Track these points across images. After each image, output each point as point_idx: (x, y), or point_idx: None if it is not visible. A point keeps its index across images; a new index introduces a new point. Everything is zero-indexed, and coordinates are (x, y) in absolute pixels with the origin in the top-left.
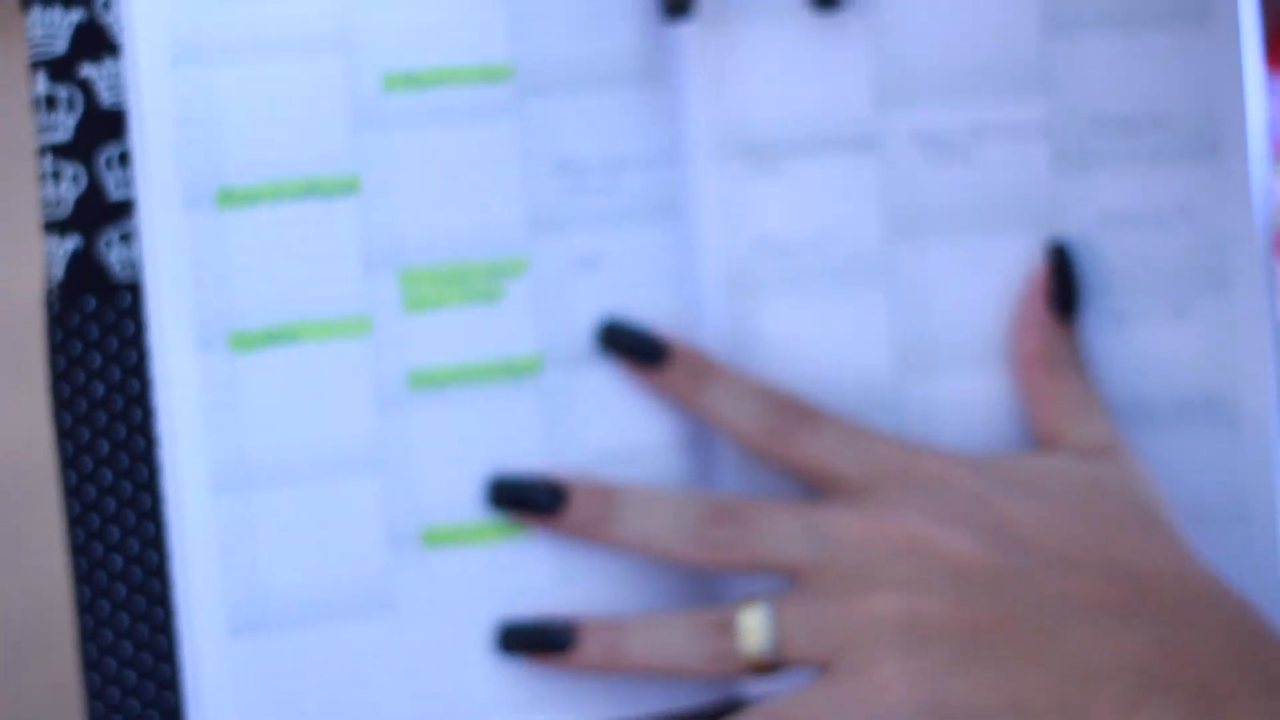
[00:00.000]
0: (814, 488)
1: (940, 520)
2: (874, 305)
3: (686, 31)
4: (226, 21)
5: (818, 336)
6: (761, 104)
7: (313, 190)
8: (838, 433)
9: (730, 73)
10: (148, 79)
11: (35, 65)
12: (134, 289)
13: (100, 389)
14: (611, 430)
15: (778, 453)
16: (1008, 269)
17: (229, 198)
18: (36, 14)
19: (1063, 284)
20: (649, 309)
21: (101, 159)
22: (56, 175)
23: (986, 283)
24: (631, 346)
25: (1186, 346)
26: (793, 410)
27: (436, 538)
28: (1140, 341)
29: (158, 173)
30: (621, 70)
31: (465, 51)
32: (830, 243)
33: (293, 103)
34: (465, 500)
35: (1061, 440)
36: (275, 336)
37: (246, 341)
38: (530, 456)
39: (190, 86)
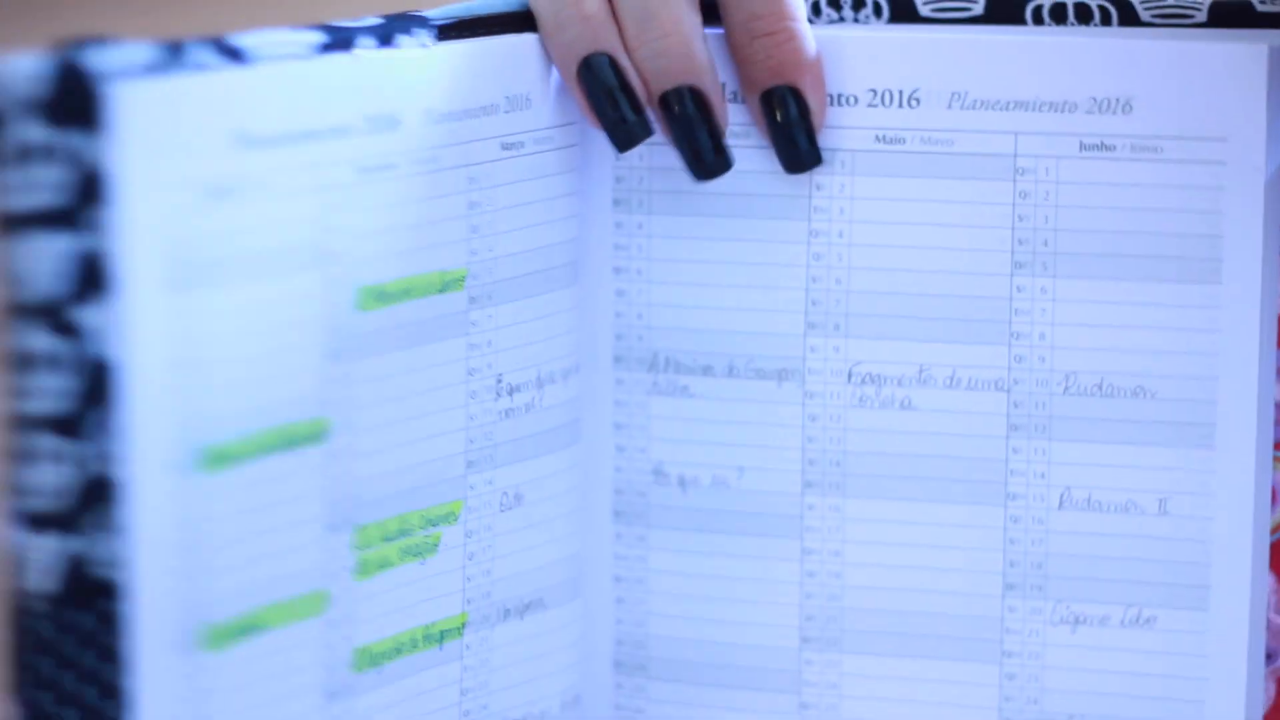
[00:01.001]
0: None
1: None
2: (782, 562)
3: (596, 219)
4: (215, 232)
5: (713, 590)
6: (672, 312)
7: (284, 441)
8: None
9: (640, 273)
10: (141, 307)
11: (22, 311)
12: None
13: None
14: (512, 696)
15: None
16: (942, 541)
17: (211, 459)
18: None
19: None
20: (561, 549)
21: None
22: (58, 456)
23: (914, 555)
24: None
25: (1146, 666)
26: None
27: None
28: (1093, 653)
29: (145, 429)
30: (559, 267)
31: (428, 257)
32: (738, 483)
33: (271, 331)
34: None
35: None
36: (244, 628)
37: (218, 638)
38: None
39: (180, 319)
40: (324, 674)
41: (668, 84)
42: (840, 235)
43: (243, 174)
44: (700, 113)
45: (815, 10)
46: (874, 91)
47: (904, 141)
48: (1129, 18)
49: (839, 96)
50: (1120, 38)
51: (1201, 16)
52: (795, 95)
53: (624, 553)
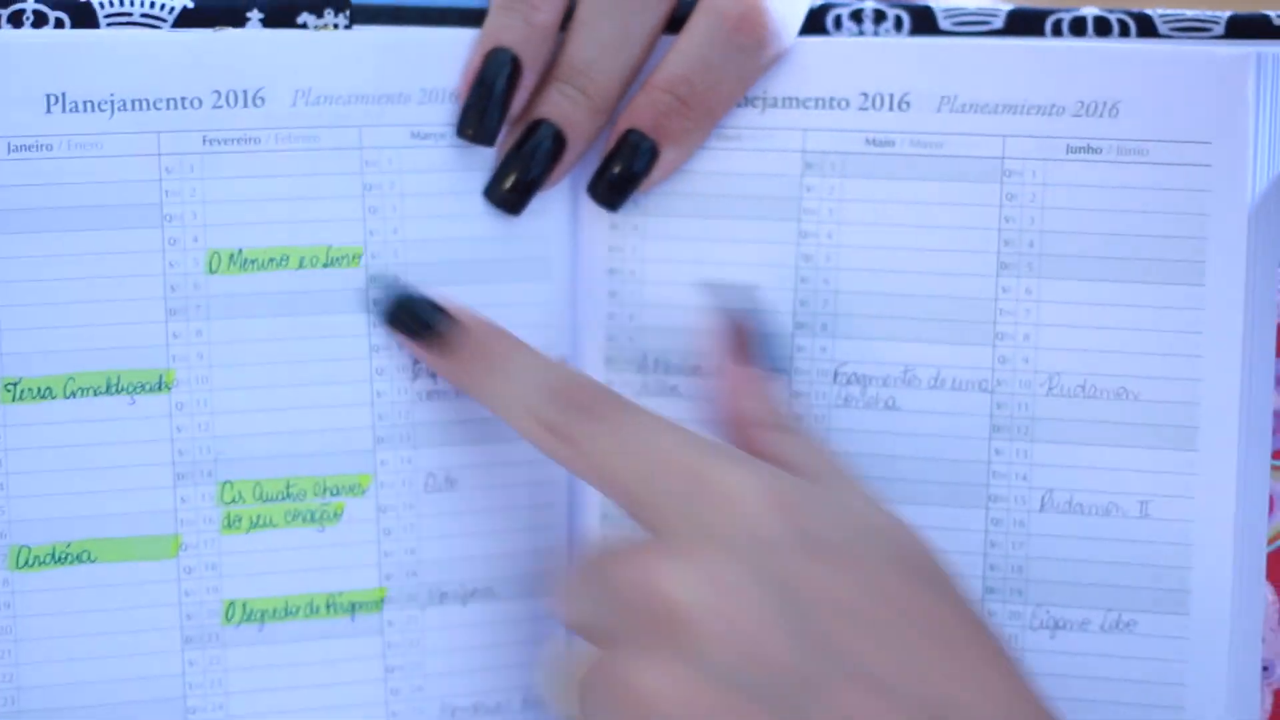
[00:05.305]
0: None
1: (739, 591)
2: None
3: (591, 220)
4: (18, 186)
5: None
6: (663, 313)
7: (112, 385)
8: (617, 430)
9: (634, 274)
10: None
11: None
12: None
13: None
14: (460, 683)
15: (558, 453)
16: None
17: (19, 391)
18: None
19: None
20: (518, 542)
21: None
22: None
23: None
24: (415, 322)
25: (1126, 671)
26: (576, 399)
27: None
28: (1072, 658)
29: None
30: (493, 261)
31: (308, 231)
32: None
33: (98, 281)
34: None
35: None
36: (64, 556)
37: (30, 560)
38: (369, 707)
39: None
40: (181, 618)
41: (549, 117)
42: (829, 236)
43: (56, 134)
44: (549, 158)
45: (837, 24)
46: (865, 95)
47: (894, 144)
48: (1147, 31)
49: (830, 100)
50: (1107, 43)
51: (1219, 30)
52: (653, 153)
53: None
